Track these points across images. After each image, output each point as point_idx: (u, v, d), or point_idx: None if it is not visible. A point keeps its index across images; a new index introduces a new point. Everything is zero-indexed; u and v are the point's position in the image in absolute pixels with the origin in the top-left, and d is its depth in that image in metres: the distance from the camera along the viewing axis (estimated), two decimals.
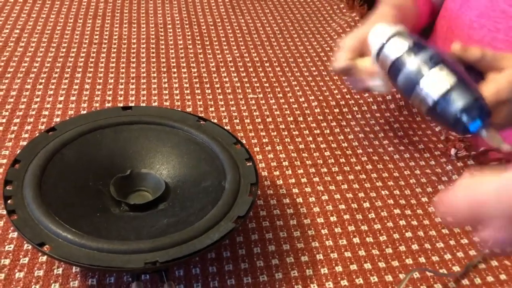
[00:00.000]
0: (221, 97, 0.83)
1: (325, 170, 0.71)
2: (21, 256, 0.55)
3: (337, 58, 0.65)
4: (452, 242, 0.62)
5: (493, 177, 0.43)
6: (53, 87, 0.82)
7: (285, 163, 0.71)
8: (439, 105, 0.52)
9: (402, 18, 0.67)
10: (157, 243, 0.47)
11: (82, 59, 0.89)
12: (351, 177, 0.70)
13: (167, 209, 0.55)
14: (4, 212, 0.50)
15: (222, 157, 0.58)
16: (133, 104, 0.79)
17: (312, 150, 0.74)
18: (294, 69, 0.92)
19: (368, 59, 0.61)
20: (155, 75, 0.87)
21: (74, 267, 0.53)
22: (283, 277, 0.56)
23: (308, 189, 0.67)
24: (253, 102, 0.82)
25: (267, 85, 0.87)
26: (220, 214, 0.51)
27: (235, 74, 0.89)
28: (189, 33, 1.00)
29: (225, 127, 0.75)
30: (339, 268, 0.58)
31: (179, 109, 0.77)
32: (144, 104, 0.80)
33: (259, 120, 0.78)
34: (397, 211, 0.65)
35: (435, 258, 0.60)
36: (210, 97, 0.82)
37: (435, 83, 0.51)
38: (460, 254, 0.60)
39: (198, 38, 0.99)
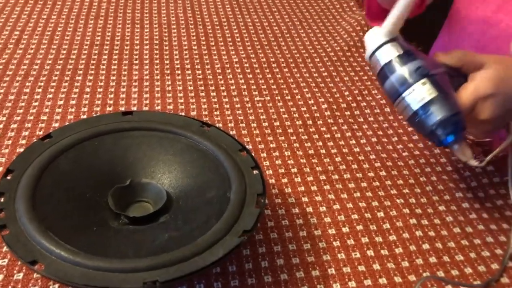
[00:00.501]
0: (226, 100, 0.79)
1: (336, 177, 0.67)
2: (15, 272, 0.52)
3: None
4: (472, 255, 0.58)
5: None
6: (52, 90, 0.79)
7: (294, 170, 0.67)
8: (417, 116, 0.55)
9: None
10: (157, 261, 0.44)
11: (83, 61, 0.86)
12: (364, 184, 0.66)
13: (168, 222, 0.51)
14: None
15: (227, 165, 0.55)
16: (135, 108, 0.76)
17: (322, 156, 0.70)
18: (302, 70, 0.88)
19: None
20: (158, 77, 0.83)
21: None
22: None
23: (318, 198, 0.64)
24: (260, 105, 0.78)
25: (274, 87, 0.83)
26: (225, 228, 0.48)
27: (241, 76, 0.85)
28: (194, 34, 0.97)
29: (231, 132, 0.72)
30: (352, 284, 0.54)
31: (183, 114, 0.74)
32: (146, 108, 0.77)
33: (266, 124, 0.75)
34: (413, 221, 0.62)
35: (454, 272, 0.56)
36: (215, 100, 0.79)
37: (417, 95, 0.55)
38: (481, 268, 0.57)
39: (203, 38, 0.95)
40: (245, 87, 0.83)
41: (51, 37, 0.92)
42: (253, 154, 0.68)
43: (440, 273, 0.56)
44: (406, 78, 0.55)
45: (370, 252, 0.57)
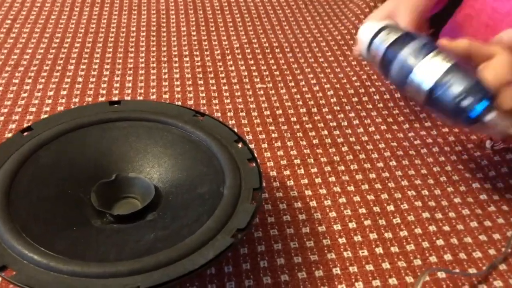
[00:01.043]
0: (226, 87, 0.75)
1: (343, 168, 0.62)
2: None
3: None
4: (492, 252, 0.53)
5: None
6: (43, 80, 0.75)
7: (297, 161, 0.63)
8: (435, 92, 0.48)
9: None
10: (140, 264, 0.39)
11: (76, 50, 0.82)
12: (372, 175, 0.61)
13: (156, 220, 0.47)
14: None
15: (221, 157, 0.50)
16: (129, 98, 0.72)
17: (327, 146, 0.65)
18: (307, 54, 0.83)
19: None
20: (154, 65, 0.79)
21: None
22: None
23: (323, 191, 0.59)
24: (262, 92, 0.74)
25: (277, 73, 0.78)
26: (217, 227, 0.43)
27: (242, 62, 0.80)
28: (193, 19, 0.92)
29: (230, 122, 0.68)
30: (359, 285, 0.49)
31: (179, 103, 0.70)
32: (141, 98, 0.72)
33: (268, 112, 0.70)
34: (426, 214, 0.57)
35: (472, 271, 0.51)
36: (214, 88, 0.74)
37: (430, 69, 0.48)
38: (502, 267, 0.52)
39: (203, 23, 0.91)
40: (246, 73, 0.78)
41: (44, 26, 0.88)
42: (253, 145, 0.64)
43: (456, 271, 0.51)
44: (415, 54, 0.49)
45: (379, 250, 0.53)
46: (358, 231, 0.55)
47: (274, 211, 0.56)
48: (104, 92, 0.73)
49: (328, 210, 0.57)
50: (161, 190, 0.50)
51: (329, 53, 0.84)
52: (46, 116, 0.68)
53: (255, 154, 0.54)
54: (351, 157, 0.64)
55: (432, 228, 0.55)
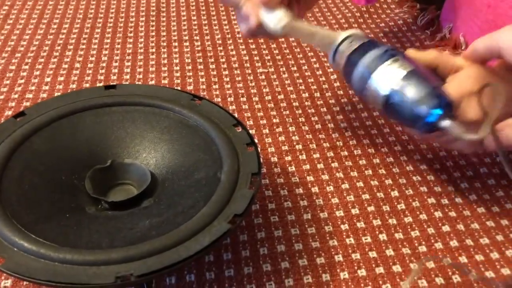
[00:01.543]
0: (226, 72, 0.73)
1: (346, 153, 0.60)
2: None
3: None
4: (499, 238, 0.51)
5: None
6: (40, 67, 0.73)
7: (299, 146, 0.61)
8: (391, 99, 0.47)
9: None
10: (133, 251, 0.38)
11: (74, 36, 0.81)
12: (376, 160, 0.60)
13: (151, 206, 0.46)
14: None
15: (218, 142, 0.48)
16: (127, 83, 0.70)
17: (330, 131, 0.63)
18: None
19: None
20: (153, 50, 0.77)
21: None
22: (294, 283, 0.47)
23: (325, 177, 0.57)
24: (263, 77, 0.72)
25: (279, 57, 0.76)
26: (213, 213, 0.42)
27: (243, 47, 0.79)
28: (194, 3, 0.90)
29: (230, 107, 0.66)
30: (362, 272, 0.48)
31: (178, 88, 0.68)
32: (140, 83, 0.71)
33: (269, 97, 0.69)
34: (431, 200, 0.55)
35: (479, 257, 0.50)
36: (214, 73, 0.73)
37: (386, 76, 0.47)
38: (510, 253, 0.50)
39: (204, 8, 0.89)
40: (247, 58, 0.76)
41: (42, 12, 0.87)
42: (254, 130, 0.63)
43: (463, 259, 0.49)
44: (375, 60, 0.49)
45: (382, 236, 0.51)
46: (361, 217, 0.53)
47: (275, 197, 0.55)
48: (102, 78, 0.72)
49: (330, 196, 0.55)
50: (157, 176, 0.49)
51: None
52: None
53: (255, 139, 0.52)
54: (354, 142, 0.62)
55: (438, 214, 0.54)
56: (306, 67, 0.75)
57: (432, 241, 0.51)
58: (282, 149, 0.61)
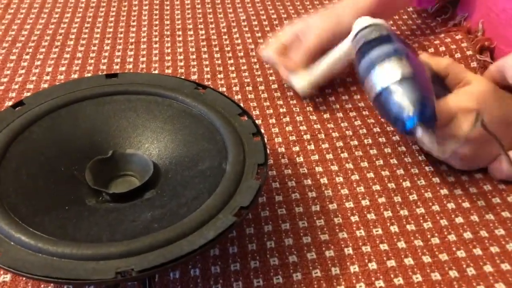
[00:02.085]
0: (231, 61, 0.71)
1: (356, 143, 0.59)
2: None
3: (267, 46, 0.66)
4: None
5: None
6: (41, 56, 0.72)
7: (307, 136, 0.59)
8: (382, 96, 0.49)
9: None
10: (134, 245, 0.36)
11: (76, 25, 0.79)
12: (387, 150, 0.58)
13: (154, 198, 0.44)
14: None
15: (223, 132, 0.47)
16: (129, 72, 0.69)
17: (339, 120, 0.62)
18: None
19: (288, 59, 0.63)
20: (157, 39, 0.76)
21: None
22: (302, 278, 0.45)
23: (334, 167, 0.56)
24: (269, 66, 0.70)
25: None
26: (218, 205, 0.40)
27: (249, 35, 0.77)
28: None
29: (236, 97, 0.64)
30: (372, 265, 0.46)
31: (179, 77, 0.67)
32: (142, 72, 0.69)
33: (276, 86, 0.67)
34: (444, 191, 0.53)
35: (494, 249, 0.48)
36: (219, 62, 0.71)
37: (385, 73, 0.50)
38: None
39: None
40: (252, 47, 0.74)
41: (44, 1, 0.85)
42: (260, 120, 0.61)
43: (477, 251, 0.47)
44: (380, 56, 0.50)
45: (394, 228, 0.49)
46: (371, 208, 0.51)
47: (282, 189, 0.53)
48: (104, 67, 0.70)
49: (339, 187, 0.53)
50: (160, 167, 0.47)
51: None
52: None
53: (262, 129, 0.50)
54: (364, 131, 0.60)
55: (451, 205, 0.52)
56: None
57: (445, 233, 0.49)
58: (290, 140, 0.59)
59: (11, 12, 0.82)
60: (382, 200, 0.52)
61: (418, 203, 0.52)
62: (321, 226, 0.49)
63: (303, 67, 0.62)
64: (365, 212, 0.51)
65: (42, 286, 0.44)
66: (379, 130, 0.60)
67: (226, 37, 0.76)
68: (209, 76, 0.68)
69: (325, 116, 0.62)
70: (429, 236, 0.49)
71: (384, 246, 0.48)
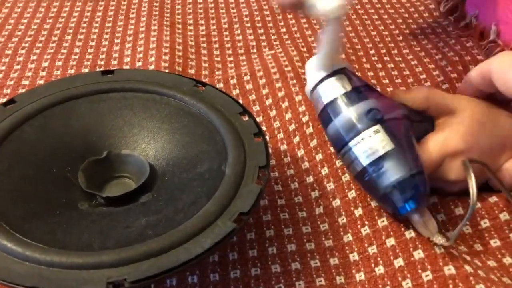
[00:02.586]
0: (231, 58, 0.69)
1: None
2: None
3: None
4: None
5: None
6: (37, 51, 0.70)
7: (305, 118, 0.56)
8: (367, 174, 0.44)
9: None
10: (127, 254, 0.34)
11: (74, 19, 0.77)
12: None
13: (150, 202, 0.42)
14: None
15: (223, 132, 0.45)
16: (127, 67, 0.66)
17: None
18: None
19: None
20: (155, 33, 0.73)
21: None
22: (305, 286, 0.43)
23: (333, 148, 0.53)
24: (270, 57, 0.67)
25: (289, 42, 0.72)
26: (217, 210, 0.38)
27: (251, 31, 0.74)
28: None
29: (233, 91, 0.62)
30: (379, 269, 0.44)
31: (178, 74, 0.64)
32: (139, 68, 0.67)
33: (275, 70, 0.63)
34: None
35: None
36: (218, 59, 0.69)
37: (367, 146, 0.43)
38: None
39: None
40: (254, 43, 0.72)
41: None
42: (261, 117, 0.59)
43: (495, 241, 0.45)
44: (354, 123, 0.44)
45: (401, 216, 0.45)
46: None
47: (285, 191, 0.51)
48: (102, 63, 0.68)
49: (340, 173, 0.50)
50: (156, 168, 0.45)
51: (347, 23, 0.77)
52: None
53: (263, 127, 0.48)
54: None
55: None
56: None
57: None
58: (290, 130, 0.56)
59: (8, 6, 0.80)
60: None
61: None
62: (325, 231, 0.47)
63: None
64: (369, 200, 0.48)
65: None
66: None
67: (227, 33, 0.74)
68: (207, 72, 0.66)
69: None
70: (442, 230, 0.45)
71: (390, 241, 0.44)
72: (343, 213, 0.48)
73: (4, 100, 0.61)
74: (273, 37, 0.73)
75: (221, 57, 0.69)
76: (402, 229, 0.45)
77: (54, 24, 0.76)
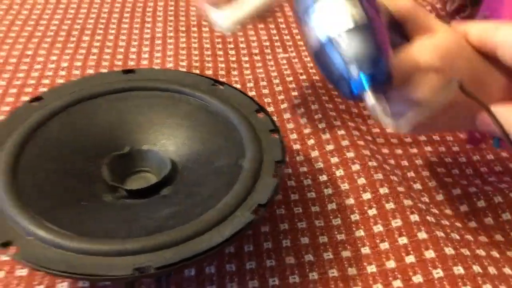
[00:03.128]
0: (246, 58, 0.71)
1: (377, 130, 0.58)
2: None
3: None
4: None
5: None
6: (56, 52, 0.72)
7: (322, 125, 0.58)
8: (325, 47, 0.36)
9: None
10: (151, 242, 0.36)
11: (92, 21, 0.79)
12: (408, 139, 0.57)
13: (170, 195, 0.44)
14: None
15: (241, 128, 0.46)
16: (146, 68, 0.68)
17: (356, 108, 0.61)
18: None
19: None
20: (172, 34, 0.75)
21: None
22: (319, 278, 0.45)
23: (350, 154, 0.54)
24: (285, 61, 0.69)
25: (301, 43, 0.74)
26: (235, 202, 0.40)
27: (264, 32, 0.76)
28: None
29: (250, 93, 0.64)
30: (390, 264, 0.45)
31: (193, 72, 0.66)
32: (159, 68, 0.69)
33: (291, 78, 0.66)
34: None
35: None
36: (234, 59, 0.71)
37: (332, 17, 0.36)
38: None
39: None
40: (268, 44, 0.74)
41: None
42: (275, 117, 0.60)
43: (498, 237, 0.46)
44: None
45: (414, 217, 0.47)
46: (390, 197, 0.49)
47: (298, 187, 0.53)
48: (119, 63, 0.70)
49: (356, 176, 0.52)
50: (177, 163, 0.47)
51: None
52: None
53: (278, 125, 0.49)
54: None
55: (472, 189, 0.50)
56: None
57: (466, 221, 0.48)
58: (304, 133, 0.58)
59: (27, 8, 0.82)
60: (401, 189, 0.50)
61: (438, 189, 0.51)
62: (337, 225, 0.49)
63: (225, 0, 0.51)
64: (384, 202, 0.49)
65: (57, 281, 0.44)
66: None
67: (241, 34, 0.76)
68: (223, 72, 0.68)
69: (340, 107, 0.61)
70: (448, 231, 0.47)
71: (403, 240, 0.46)
72: (356, 211, 0.50)
73: (26, 98, 0.63)
74: (286, 38, 0.75)
75: (236, 58, 0.71)
76: (415, 230, 0.47)
77: (72, 26, 0.78)
